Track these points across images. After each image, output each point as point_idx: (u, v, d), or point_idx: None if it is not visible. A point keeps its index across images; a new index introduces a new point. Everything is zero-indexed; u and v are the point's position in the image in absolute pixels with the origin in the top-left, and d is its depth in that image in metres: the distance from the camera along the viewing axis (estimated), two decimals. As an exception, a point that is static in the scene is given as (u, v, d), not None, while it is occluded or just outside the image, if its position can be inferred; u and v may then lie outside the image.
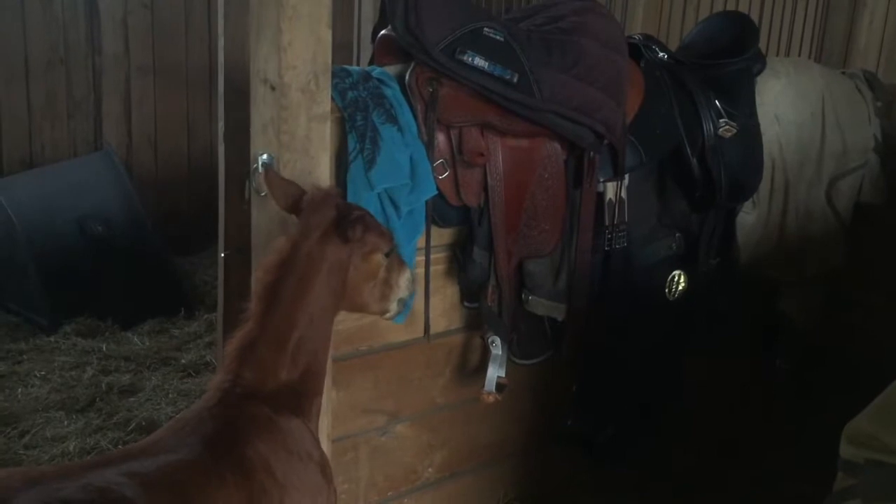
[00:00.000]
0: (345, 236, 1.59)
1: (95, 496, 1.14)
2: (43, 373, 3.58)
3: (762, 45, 5.06)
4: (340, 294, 1.62)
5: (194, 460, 1.31)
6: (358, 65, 4.02)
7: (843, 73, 3.17)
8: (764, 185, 2.81)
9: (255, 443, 1.42)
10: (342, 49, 4.88)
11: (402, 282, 1.74)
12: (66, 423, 3.22)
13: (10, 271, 4.25)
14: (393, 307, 1.76)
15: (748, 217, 2.82)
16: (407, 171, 1.97)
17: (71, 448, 3.04)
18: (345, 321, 2.14)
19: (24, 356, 3.78)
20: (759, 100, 2.76)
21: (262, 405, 1.48)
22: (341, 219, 1.62)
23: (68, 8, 5.28)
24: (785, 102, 2.84)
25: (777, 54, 4.93)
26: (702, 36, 2.91)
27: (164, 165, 5.76)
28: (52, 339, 3.93)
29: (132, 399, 3.41)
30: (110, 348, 3.85)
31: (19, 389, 3.44)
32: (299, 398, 1.56)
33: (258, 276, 1.60)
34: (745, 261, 2.86)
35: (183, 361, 3.77)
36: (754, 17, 4.53)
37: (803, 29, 4.92)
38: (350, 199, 1.90)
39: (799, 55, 4.89)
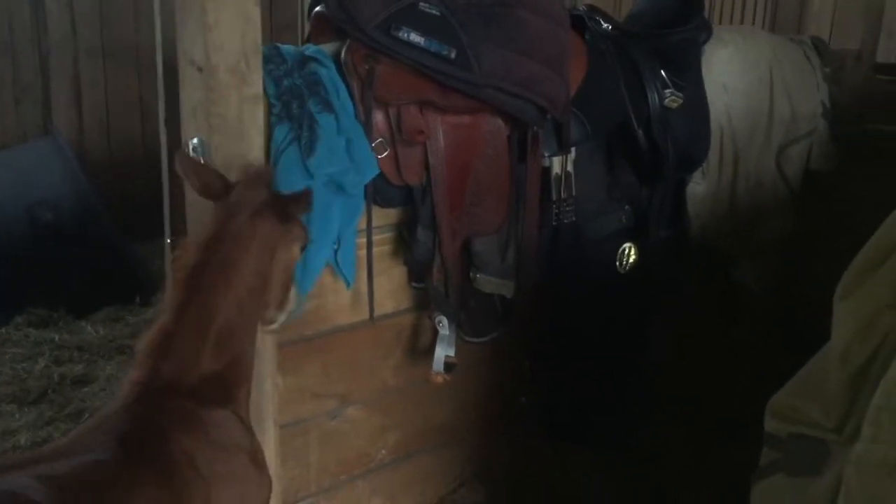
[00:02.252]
0: (286, 213, 1.56)
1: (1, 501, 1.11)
2: (-7, 366, 3.52)
3: (716, 12, 5.07)
4: (267, 279, 1.58)
5: (110, 459, 1.27)
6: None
7: (791, 39, 3.16)
8: (713, 155, 2.81)
9: (176, 437, 1.37)
10: (287, 30, 4.79)
11: (293, 294, 1.71)
12: (17, 416, 3.16)
13: (-41, 264, 4.16)
14: (281, 319, 1.72)
15: (698, 187, 2.82)
16: (344, 157, 1.93)
17: (22, 441, 2.99)
18: (290, 306, 2.11)
19: (-25, 349, 3.71)
20: (707, 69, 2.75)
21: (184, 398, 1.43)
22: (281, 196, 1.59)
23: (11, -6, 5.14)
24: (732, 71, 2.83)
25: (731, 21, 4.93)
26: (648, 5, 2.88)
27: (117, 149, 5.64)
28: (3, 330, 3.85)
29: (85, 389, 3.36)
30: (63, 338, 3.78)
31: (-31, 383, 3.38)
32: (227, 387, 1.51)
33: (179, 260, 1.54)
34: (698, 231, 2.86)
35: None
36: (707, -16, 4.50)
37: (756, -5, 4.92)
38: (284, 188, 1.86)
39: (753, 22, 4.89)
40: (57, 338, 3.78)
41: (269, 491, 1.59)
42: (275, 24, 5.51)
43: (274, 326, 1.74)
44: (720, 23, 5.00)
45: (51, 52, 5.37)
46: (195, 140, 1.82)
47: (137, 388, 1.42)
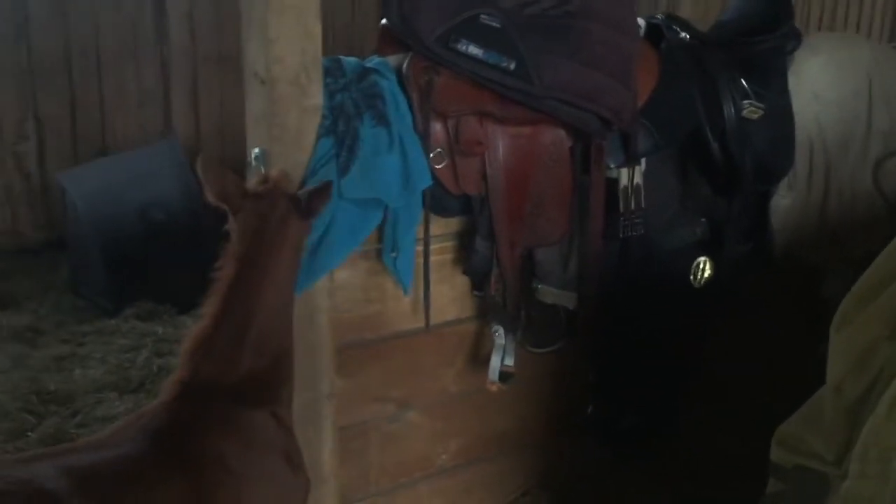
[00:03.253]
0: (308, 210, 1.62)
1: (11, 487, 1.19)
2: (100, 355, 3.77)
3: (831, 19, 4.85)
4: (295, 272, 1.66)
5: (138, 454, 1.35)
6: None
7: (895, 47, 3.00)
8: (802, 167, 2.69)
9: (209, 436, 1.44)
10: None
11: None
12: (117, 403, 3.38)
13: (79, 259, 4.48)
14: None
15: (784, 200, 2.70)
16: (386, 177, 1.96)
17: (119, 428, 3.18)
18: (350, 310, 2.18)
19: (87, 338, 3.98)
20: (796, 78, 2.64)
21: (223, 398, 1.49)
22: (301, 195, 1.65)
23: (135, 5, 5.47)
24: (824, 80, 2.70)
25: (846, 28, 4.71)
26: (737, 14, 2.79)
27: (231, 153, 5.90)
28: (113, 322, 4.12)
29: (179, 381, 3.54)
30: (166, 331, 4.01)
31: (77, 371, 3.63)
32: (268, 387, 1.57)
33: (218, 270, 1.62)
34: (784, 245, 2.75)
35: (233, 343, 3.89)
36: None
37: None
38: None
39: (870, 28, 4.65)
40: (160, 331, 4.01)
41: (306, 492, 1.64)
42: (356, 30, 5.66)
43: None
44: (835, 29, 4.78)
45: (171, 59, 5.68)
46: (256, 150, 1.91)
47: (178, 387, 1.50)
